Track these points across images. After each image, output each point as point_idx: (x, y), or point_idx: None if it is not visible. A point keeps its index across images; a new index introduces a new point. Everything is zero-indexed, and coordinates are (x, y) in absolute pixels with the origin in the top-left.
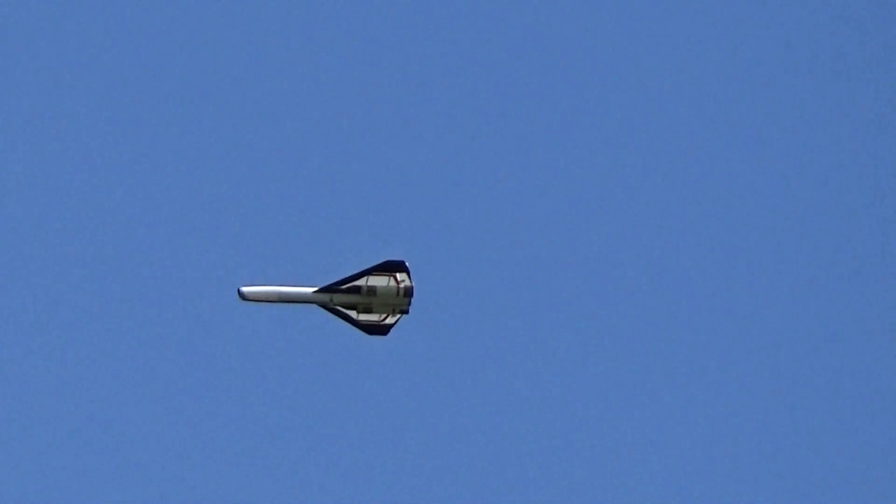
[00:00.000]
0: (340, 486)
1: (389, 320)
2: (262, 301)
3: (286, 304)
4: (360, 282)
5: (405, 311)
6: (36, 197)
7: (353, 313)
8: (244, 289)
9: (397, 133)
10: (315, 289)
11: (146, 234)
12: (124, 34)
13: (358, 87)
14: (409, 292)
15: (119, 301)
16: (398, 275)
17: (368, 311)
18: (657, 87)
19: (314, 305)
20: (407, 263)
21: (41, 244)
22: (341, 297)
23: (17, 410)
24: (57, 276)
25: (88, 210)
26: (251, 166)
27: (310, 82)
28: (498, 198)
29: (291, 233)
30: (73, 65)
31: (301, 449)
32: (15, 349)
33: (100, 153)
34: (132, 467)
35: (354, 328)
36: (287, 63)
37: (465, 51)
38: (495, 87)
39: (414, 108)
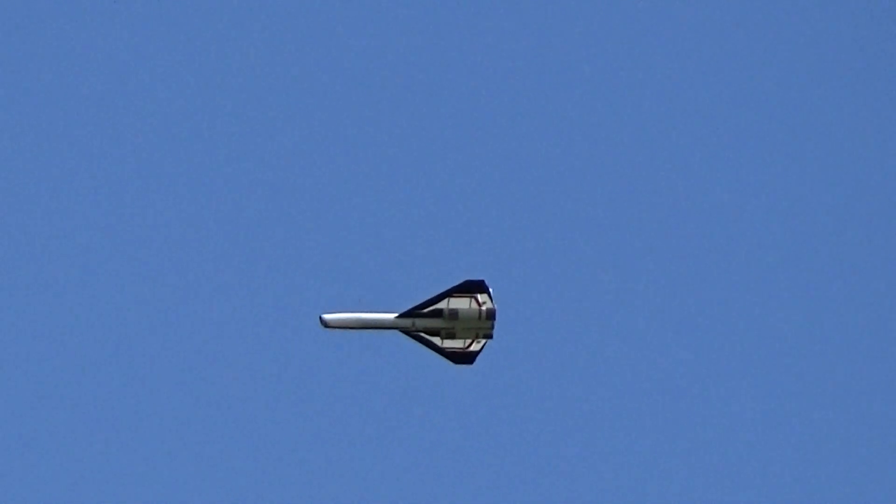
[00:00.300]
0: None
1: (474, 347)
2: (344, 328)
3: (368, 331)
4: (442, 304)
5: (489, 336)
6: (109, 214)
7: (436, 339)
8: (326, 316)
9: (469, 153)
10: (396, 315)
11: (228, 262)
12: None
13: (424, 110)
14: (491, 315)
15: (203, 330)
16: (479, 296)
17: (452, 336)
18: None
19: (396, 332)
20: (487, 283)
21: (116, 259)
22: (423, 321)
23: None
24: (139, 300)
25: (180, 235)
26: (327, 194)
27: (373, 108)
28: (574, 212)
29: (369, 258)
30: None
31: (390, 478)
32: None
33: (188, 182)
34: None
35: (440, 356)
36: (356, 93)
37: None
38: (563, 103)
39: (481, 124)
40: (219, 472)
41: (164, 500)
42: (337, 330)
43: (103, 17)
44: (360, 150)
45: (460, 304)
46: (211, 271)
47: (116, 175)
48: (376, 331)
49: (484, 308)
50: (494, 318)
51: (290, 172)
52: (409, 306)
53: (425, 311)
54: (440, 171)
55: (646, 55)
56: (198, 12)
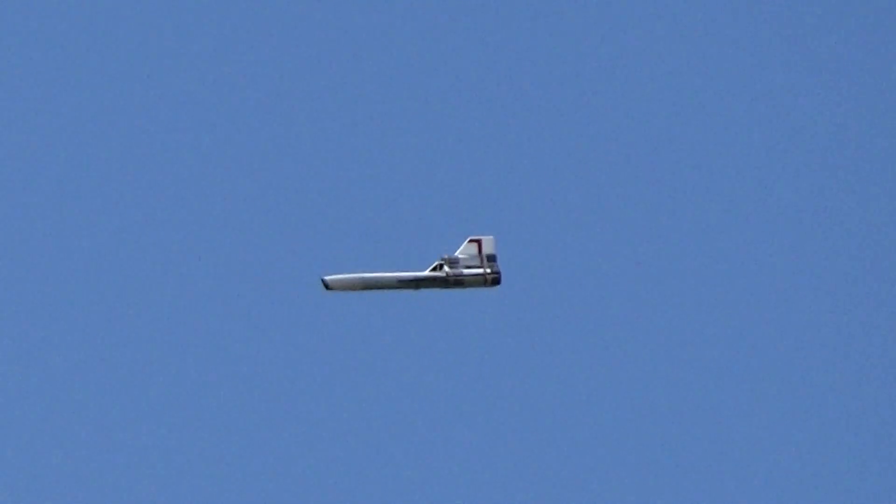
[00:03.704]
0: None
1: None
2: (346, 289)
3: (372, 291)
4: (444, 271)
5: (497, 282)
6: (115, 197)
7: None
8: (328, 278)
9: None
10: (400, 276)
11: (232, 229)
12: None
13: (414, 86)
14: (496, 281)
15: (205, 296)
16: (486, 259)
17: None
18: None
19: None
20: (494, 242)
21: (124, 241)
22: (427, 284)
23: (99, 411)
24: (145, 269)
25: (174, 204)
26: (330, 163)
27: (374, 84)
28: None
29: (375, 219)
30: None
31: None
32: (91, 347)
33: (189, 149)
34: (223, 462)
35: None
36: (367, 71)
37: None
38: (578, 80)
39: (487, 100)
40: (223, 436)
41: (178, 482)
42: (339, 291)
43: (103, 16)
44: (368, 123)
45: (465, 269)
46: (213, 239)
47: (106, 155)
48: (380, 291)
49: (490, 276)
50: (500, 283)
51: (290, 141)
52: (410, 265)
53: (429, 276)
54: (440, 127)
55: (646, 55)
56: (197, 12)
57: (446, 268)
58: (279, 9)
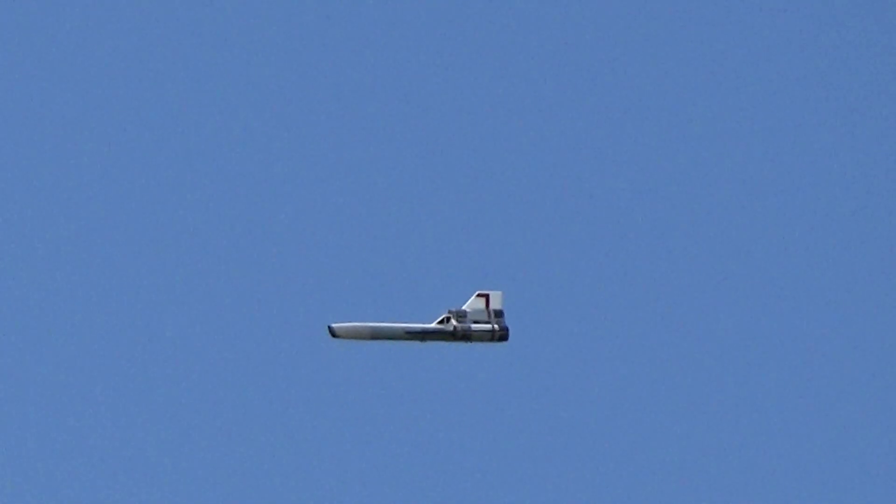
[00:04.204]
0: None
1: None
2: (353, 338)
3: (379, 342)
4: (452, 325)
5: (504, 339)
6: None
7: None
8: (335, 325)
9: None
10: (407, 327)
11: (242, 269)
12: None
13: (429, 124)
14: (504, 338)
15: (212, 335)
16: (495, 321)
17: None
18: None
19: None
20: (503, 296)
21: (135, 264)
22: (434, 336)
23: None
24: (151, 312)
25: (183, 245)
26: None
27: (386, 119)
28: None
29: (379, 268)
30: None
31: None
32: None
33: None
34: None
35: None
36: (385, 118)
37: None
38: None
39: (490, 135)
40: (223, 476)
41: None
42: (345, 340)
43: (103, 17)
44: (384, 166)
45: (473, 324)
46: (219, 279)
47: (134, 187)
48: (386, 341)
49: (498, 332)
50: (507, 340)
51: (299, 182)
52: (417, 317)
53: (436, 328)
54: (452, 181)
55: (645, 56)
56: (197, 12)
57: (454, 321)
58: (281, 65)
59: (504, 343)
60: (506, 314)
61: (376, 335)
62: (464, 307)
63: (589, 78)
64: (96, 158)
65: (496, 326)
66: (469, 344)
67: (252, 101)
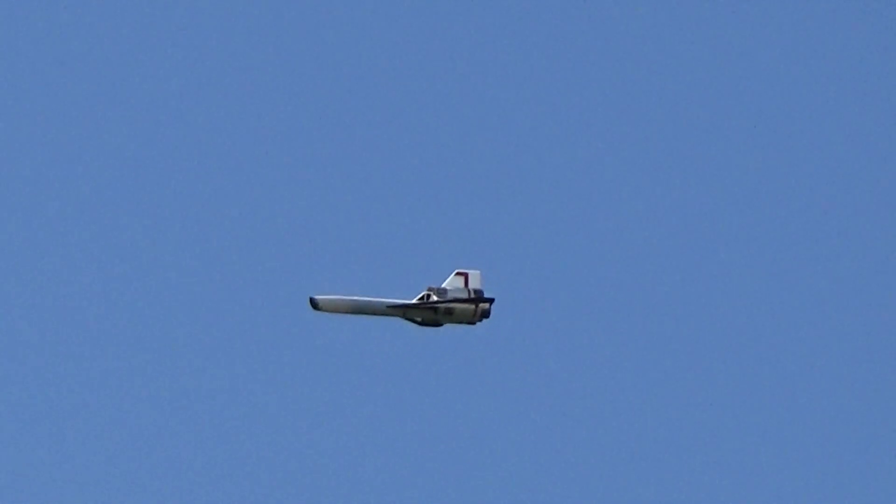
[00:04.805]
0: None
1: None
2: (334, 311)
3: (361, 316)
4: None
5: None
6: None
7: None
8: (317, 297)
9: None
10: (389, 302)
11: (225, 241)
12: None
13: (418, 107)
14: (486, 314)
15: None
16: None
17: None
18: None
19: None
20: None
21: (126, 248)
22: (415, 312)
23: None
24: (131, 282)
25: (164, 218)
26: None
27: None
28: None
29: (362, 244)
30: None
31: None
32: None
33: (202, 159)
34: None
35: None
36: (368, 96)
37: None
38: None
39: (475, 121)
40: (204, 448)
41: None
42: (327, 313)
43: (103, 17)
44: (377, 143)
45: (456, 302)
46: (202, 252)
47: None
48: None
49: (480, 309)
50: (489, 316)
51: (286, 161)
52: (400, 292)
53: (419, 304)
54: (436, 161)
55: (646, 56)
56: (197, 13)
57: (434, 297)
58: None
59: (486, 320)
60: (484, 294)
61: (358, 309)
62: (443, 285)
63: (569, 66)
64: (75, 140)
65: (483, 306)
66: (451, 323)
67: (235, 82)
